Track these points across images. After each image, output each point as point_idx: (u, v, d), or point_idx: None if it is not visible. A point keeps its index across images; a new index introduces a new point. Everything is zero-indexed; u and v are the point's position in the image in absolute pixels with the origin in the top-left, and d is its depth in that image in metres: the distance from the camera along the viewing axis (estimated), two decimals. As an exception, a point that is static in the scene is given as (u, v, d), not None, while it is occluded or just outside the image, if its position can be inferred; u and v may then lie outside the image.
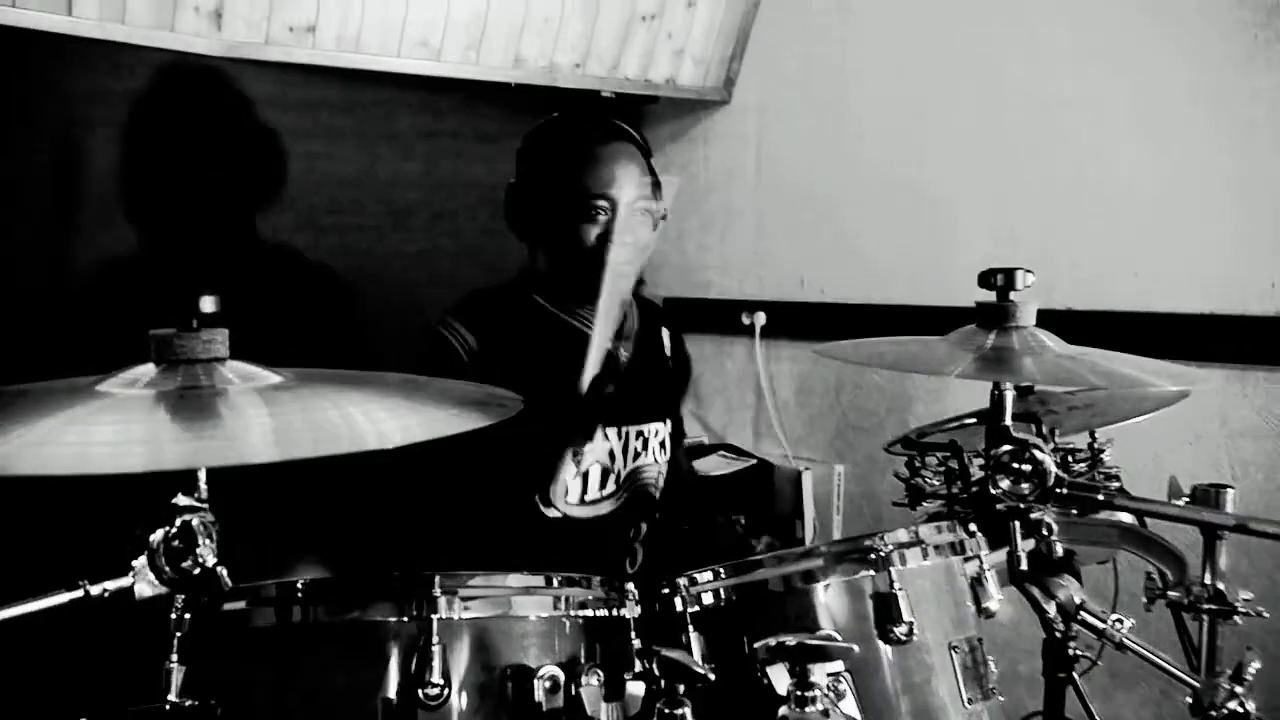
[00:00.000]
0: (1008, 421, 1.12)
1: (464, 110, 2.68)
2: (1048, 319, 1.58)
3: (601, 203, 1.71)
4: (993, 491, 1.06)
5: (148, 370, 0.82)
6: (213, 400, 0.78)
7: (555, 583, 1.04)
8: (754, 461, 2.67)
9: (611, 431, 1.79)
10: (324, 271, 2.44)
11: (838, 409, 2.67)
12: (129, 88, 2.17)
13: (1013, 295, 1.31)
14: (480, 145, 2.66)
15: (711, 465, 2.63)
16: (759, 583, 1.06)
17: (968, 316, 2.41)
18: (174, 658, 0.89)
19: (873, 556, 1.04)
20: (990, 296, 1.34)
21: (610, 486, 1.78)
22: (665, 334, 1.98)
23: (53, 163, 2.07)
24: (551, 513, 1.72)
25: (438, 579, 0.93)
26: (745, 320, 2.79)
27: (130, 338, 2.16)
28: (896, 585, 1.02)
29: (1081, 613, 1.21)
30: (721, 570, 1.07)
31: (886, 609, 1.02)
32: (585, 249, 1.72)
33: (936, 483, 1.26)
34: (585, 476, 1.76)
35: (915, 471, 1.30)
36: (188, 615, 0.91)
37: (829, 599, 1.05)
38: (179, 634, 0.91)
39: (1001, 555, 1.21)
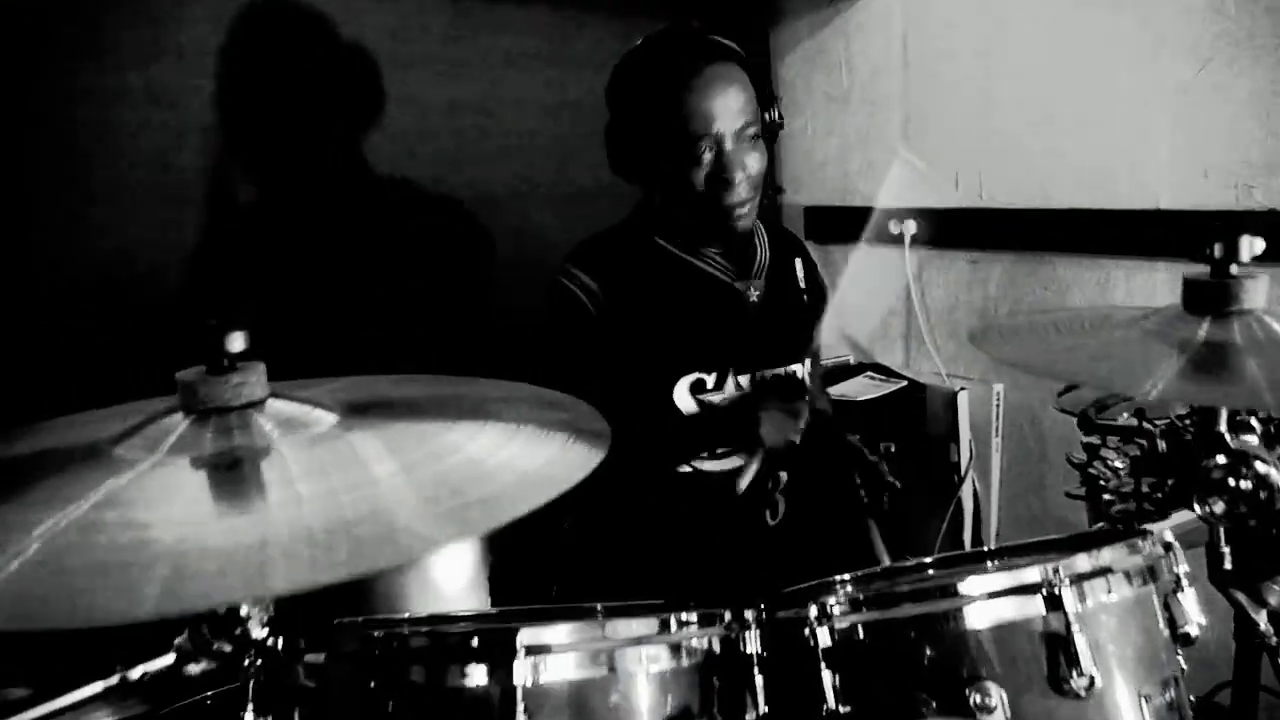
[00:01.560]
0: (1221, 427, 0.87)
1: (602, 26, 2.42)
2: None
3: (703, 141, 1.49)
4: (1200, 513, 0.83)
5: (176, 423, 0.69)
6: (257, 471, 0.64)
7: (672, 626, 0.85)
8: (904, 383, 2.44)
9: (744, 378, 1.61)
10: (444, 205, 2.29)
11: (997, 324, 2.39)
12: (220, 13, 1.99)
13: (1235, 270, 0.98)
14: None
15: (858, 389, 2.41)
16: (902, 621, 0.86)
17: (1141, 222, 2.10)
18: (249, 712, 0.79)
19: (1044, 593, 0.84)
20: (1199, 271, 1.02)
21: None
22: (799, 264, 1.76)
23: (141, 90, 1.95)
24: (684, 469, 1.57)
25: (521, 637, 0.77)
26: (894, 229, 2.52)
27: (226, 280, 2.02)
28: (1075, 628, 0.82)
29: (1302, 624, 0.98)
30: (860, 598, 0.88)
31: (1060, 656, 0.82)
32: (695, 194, 1.51)
33: (1121, 468, 1.03)
34: None
35: (1093, 454, 1.06)
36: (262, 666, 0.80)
37: (987, 640, 0.85)
38: (253, 685, 0.80)
39: (1185, 521, 0.97)
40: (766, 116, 1.59)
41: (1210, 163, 2.00)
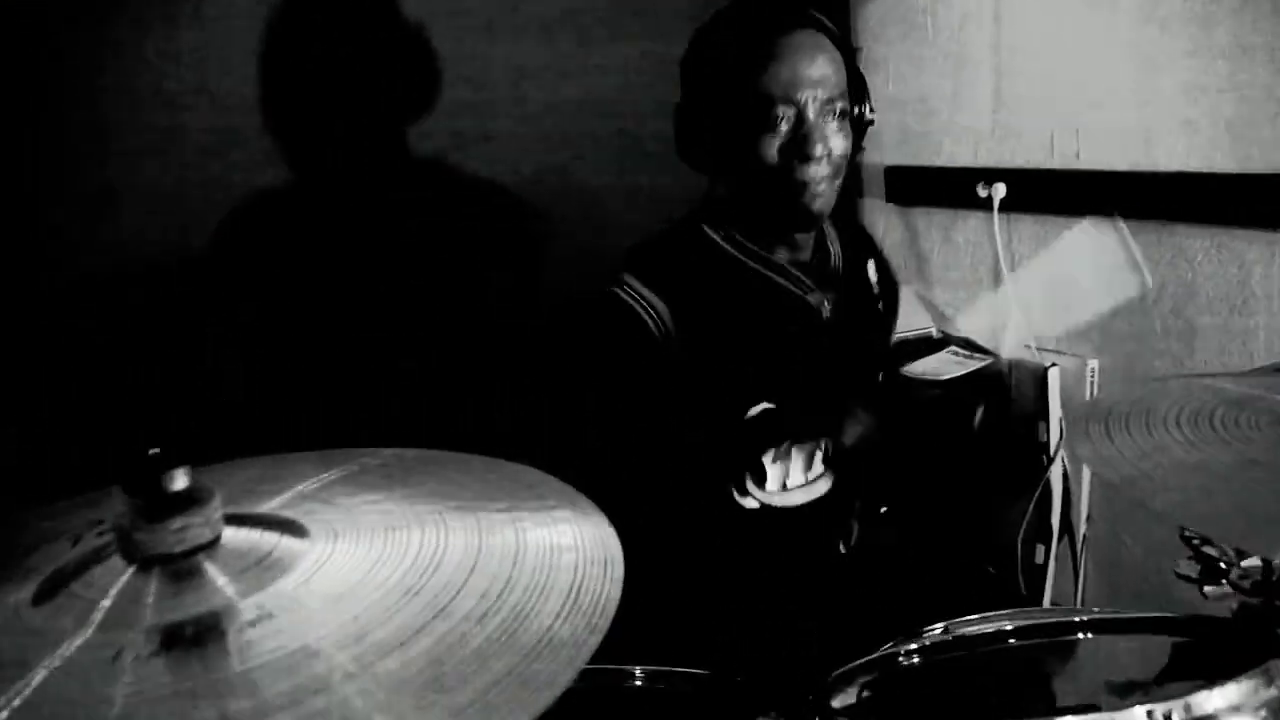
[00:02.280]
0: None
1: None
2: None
3: (782, 107, 1.33)
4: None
5: (117, 569, 0.58)
6: (223, 650, 0.53)
7: None
8: (990, 359, 2.25)
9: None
10: (498, 193, 2.13)
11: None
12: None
13: None
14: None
15: (939, 366, 2.23)
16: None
17: (1266, 185, 1.84)
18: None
19: (1155, 738, 0.68)
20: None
21: (818, 467, 1.44)
22: (871, 267, 1.58)
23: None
24: (749, 503, 1.41)
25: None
26: (981, 192, 2.30)
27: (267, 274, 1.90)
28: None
29: None
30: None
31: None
32: (767, 168, 1.35)
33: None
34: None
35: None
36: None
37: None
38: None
39: None
40: (856, 109, 1.41)
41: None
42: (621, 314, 1.36)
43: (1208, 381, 0.97)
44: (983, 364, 2.23)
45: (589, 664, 0.52)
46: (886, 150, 2.54)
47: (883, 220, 2.56)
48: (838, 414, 1.47)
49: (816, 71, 1.34)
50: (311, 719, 0.50)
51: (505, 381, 1.93)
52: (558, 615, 0.54)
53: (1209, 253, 1.98)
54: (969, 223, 2.39)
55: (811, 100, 1.33)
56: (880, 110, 2.56)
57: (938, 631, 1.12)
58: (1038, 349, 2.29)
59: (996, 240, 2.31)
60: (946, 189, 2.40)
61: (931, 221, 2.49)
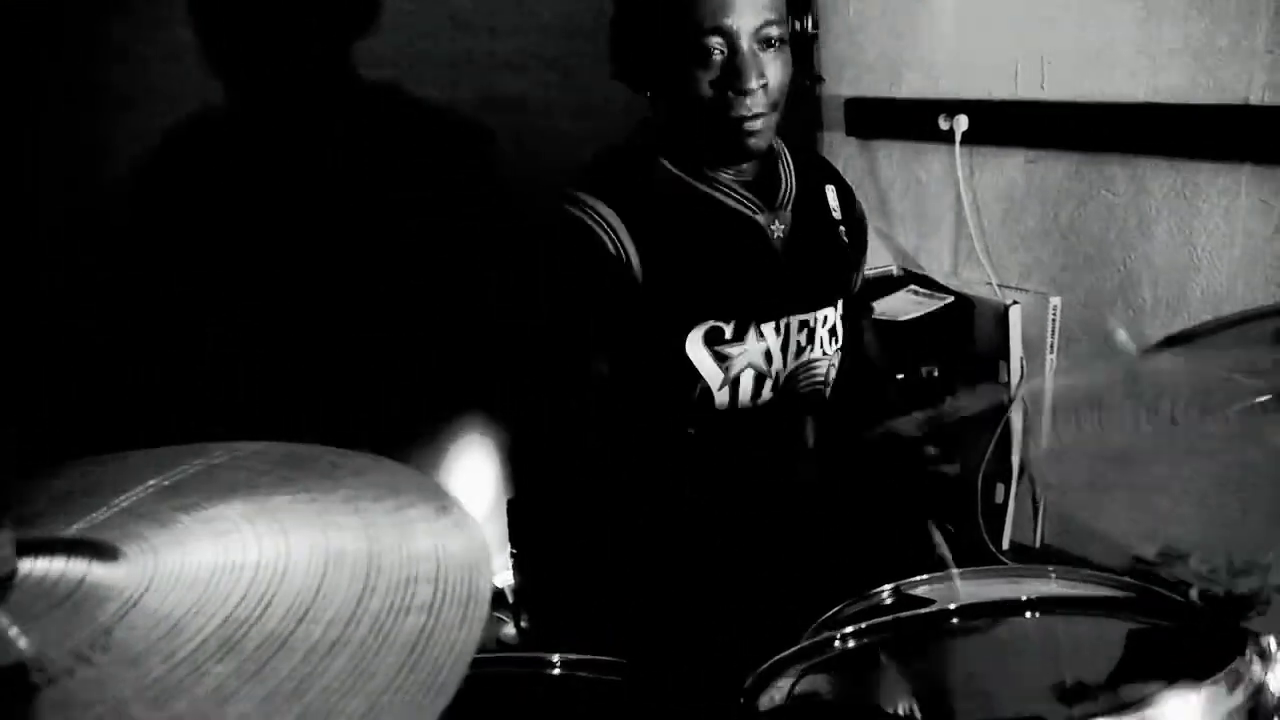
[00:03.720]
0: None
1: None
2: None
3: (714, 38, 1.24)
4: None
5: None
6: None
7: None
8: (950, 298, 2.20)
9: (767, 327, 1.39)
10: (449, 117, 2.04)
11: (1055, 231, 2.13)
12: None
13: None
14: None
15: (900, 306, 2.18)
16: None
17: (1228, 118, 1.79)
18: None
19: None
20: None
21: (766, 394, 1.39)
22: (831, 192, 1.51)
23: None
24: (721, 404, 1.37)
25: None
26: (944, 124, 2.22)
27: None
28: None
29: None
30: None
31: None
32: (700, 101, 1.27)
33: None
34: (735, 383, 1.39)
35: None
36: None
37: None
38: None
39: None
40: (797, 24, 1.32)
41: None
42: (573, 230, 1.30)
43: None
44: (942, 303, 2.18)
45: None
46: (846, 82, 2.45)
47: (843, 154, 2.48)
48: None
49: None
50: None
51: (467, 310, 1.88)
52: (407, 655, 0.48)
53: (1173, 186, 1.93)
54: (931, 156, 2.32)
55: (746, 29, 1.24)
56: (841, 41, 2.48)
57: (885, 595, 1.09)
58: (999, 286, 2.25)
59: (959, 174, 2.24)
60: (908, 121, 2.32)
61: (893, 155, 2.41)
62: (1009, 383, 2.20)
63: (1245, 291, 1.85)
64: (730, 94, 1.25)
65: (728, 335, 1.35)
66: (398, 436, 2.07)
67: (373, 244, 1.98)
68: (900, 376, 2.08)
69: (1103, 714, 0.65)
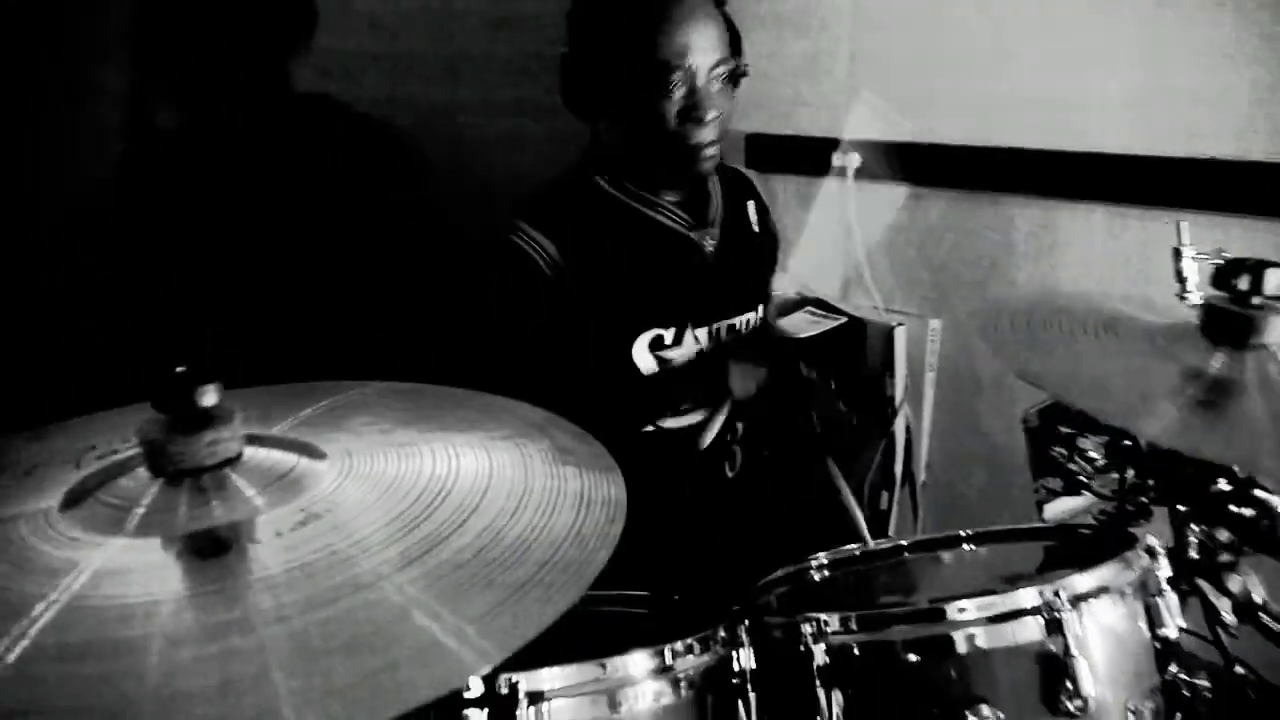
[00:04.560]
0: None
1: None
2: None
3: (678, 74, 1.40)
4: (1200, 536, 0.81)
5: (143, 483, 0.61)
6: (244, 561, 0.56)
7: (668, 657, 0.81)
8: (844, 319, 2.41)
9: (701, 332, 1.56)
10: (381, 130, 2.14)
11: (936, 258, 2.38)
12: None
13: (1258, 300, 0.94)
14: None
15: (798, 325, 2.37)
16: (893, 644, 0.84)
17: (1084, 164, 2.05)
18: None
19: (1044, 617, 0.82)
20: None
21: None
22: (751, 208, 1.71)
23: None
24: (648, 429, 1.52)
25: (521, 684, 0.72)
26: (837, 161, 2.46)
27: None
28: (1074, 652, 0.81)
29: (1263, 614, 0.98)
30: (851, 622, 0.86)
31: (1059, 678, 0.80)
32: (664, 130, 1.43)
33: (1098, 460, 1.00)
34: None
35: (1071, 447, 1.03)
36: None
37: (984, 664, 0.82)
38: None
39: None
40: (736, 64, 1.50)
41: (1158, 107, 1.99)
42: (514, 256, 1.44)
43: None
44: (837, 323, 2.39)
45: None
46: (748, 117, 2.67)
47: (743, 186, 2.69)
48: (729, 351, 1.59)
49: (708, 36, 1.42)
50: (352, 614, 0.55)
51: (402, 320, 1.96)
52: (575, 509, 0.61)
53: (1036, 223, 2.20)
54: (825, 190, 2.55)
55: (704, 66, 1.42)
56: (744, 80, 2.67)
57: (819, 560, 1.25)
58: (885, 309, 2.47)
59: (850, 208, 2.47)
60: (804, 157, 2.54)
61: (789, 188, 2.63)
62: (894, 397, 2.42)
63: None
64: (690, 125, 1.42)
65: (668, 340, 1.51)
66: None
67: (309, 252, 2.04)
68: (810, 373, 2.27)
69: (1036, 585, 0.82)
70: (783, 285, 2.58)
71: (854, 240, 2.49)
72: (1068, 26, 2.07)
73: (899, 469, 2.46)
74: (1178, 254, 1.21)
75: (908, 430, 2.45)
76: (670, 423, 1.52)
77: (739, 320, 1.63)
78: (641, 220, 1.53)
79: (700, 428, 1.54)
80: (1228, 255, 1.24)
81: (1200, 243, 1.22)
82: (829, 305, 2.49)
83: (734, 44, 1.50)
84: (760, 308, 1.68)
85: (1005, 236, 2.25)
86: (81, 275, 1.76)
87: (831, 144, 2.46)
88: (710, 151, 1.46)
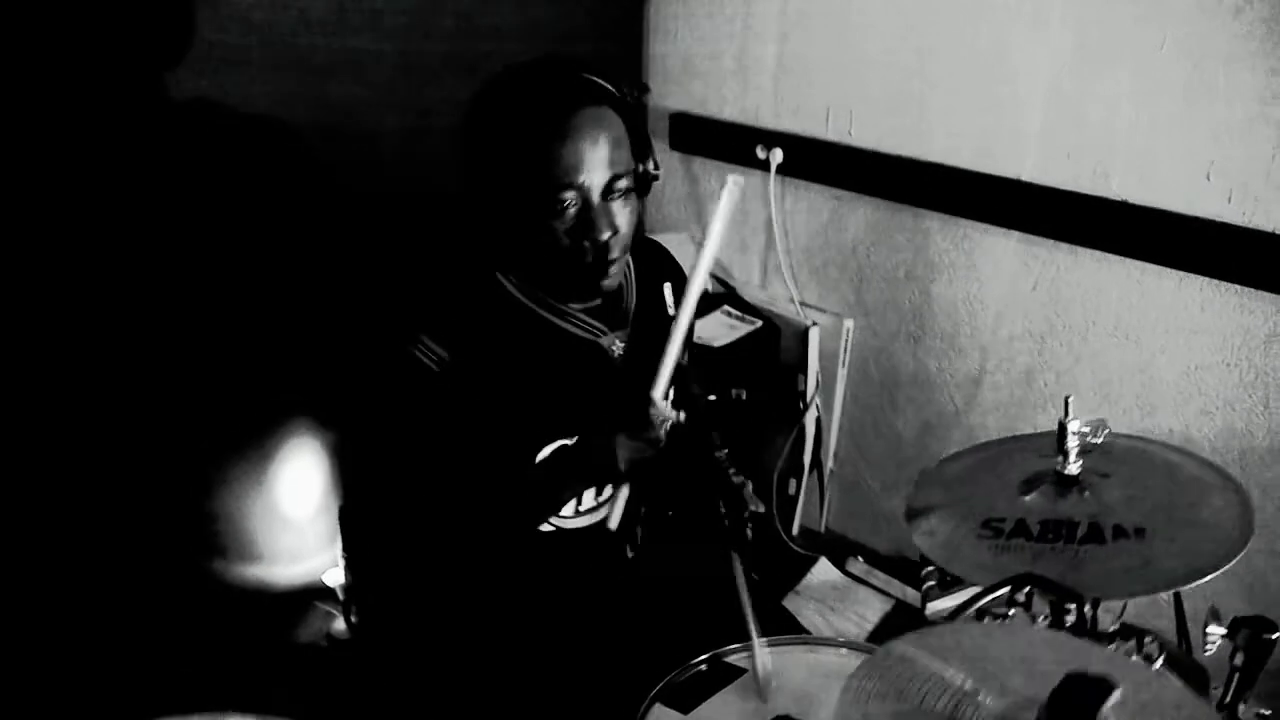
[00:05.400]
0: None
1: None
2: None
3: (568, 193, 1.35)
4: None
5: None
6: None
7: None
8: (759, 324, 2.43)
9: None
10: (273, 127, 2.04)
11: (854, 261, 2.39)
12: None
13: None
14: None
15: (714, 331, 2.39)
16: None
17: (1002, 190, 2.10)
18: None
19: None
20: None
21: (607, 491, 1.55)
22: (668, 289, 1.65)
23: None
24: (545, 527, 1.54)
25: None
26: (760, 154, 2.41)
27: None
28: None
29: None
30: None
31: None
32: (557, 248, 1.38)
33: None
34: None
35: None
36: None
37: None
38: None
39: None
40: (640, 168, 1.45)
41: (1075, 143, 1.98)
42: (410, 367, 1.40)
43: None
44: (752, 328, 2.41)
45: None
46: (672, 96, 2.58)
47: (666, 166, 2.61)
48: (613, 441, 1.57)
49: (601, 152, 1.34)
50: None
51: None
52: None
53: (954, 240, 2.21)
54: (748, 179, 2.50)
55: (598, 184, 1.36)
56: (670, 58, 2.58)
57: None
58: (801, 304, 2.49)
59: (771, 202, 2.45)
60: (728, 144, 2.49)
61: (711, 172, 2.58)
62: (805, 393, 2.48)
63: (1004, 338, 2.17)
64: (585, 243, 1.37)
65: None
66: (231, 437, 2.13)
67: (196, 251, 1.99)
68: (712, 398, 2.30)
69: None
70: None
71: (775, 233, 2.47)
72: (998, 51, 2.03)
73: (807, 458, 2.55)
74: (1062, 428, 1.25)
75: (818, 423, 2.53)
76: (570, 524, 1.54)
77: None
78: (546, 328, 1.48)
79: (605, 517, 1.55)
80: (1108, 430, 1.30)
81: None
82: (744, 304, 2.50)
83: (637, 146, 1.43)
84: (671, 391, 1.65)
85: (923, 249, 2.26)
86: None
87: (756, 134, 2.41)
88: (611, 270, 1.40)
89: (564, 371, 1.48)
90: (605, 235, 1.37)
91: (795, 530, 2.60)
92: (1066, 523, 1.22)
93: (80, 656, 1.93)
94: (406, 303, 1.47)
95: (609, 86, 1.39)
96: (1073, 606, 1.09)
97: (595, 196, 1.36)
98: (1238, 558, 1.14)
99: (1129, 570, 1.13)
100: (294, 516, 2.32)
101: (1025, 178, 2.06)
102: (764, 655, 1.40)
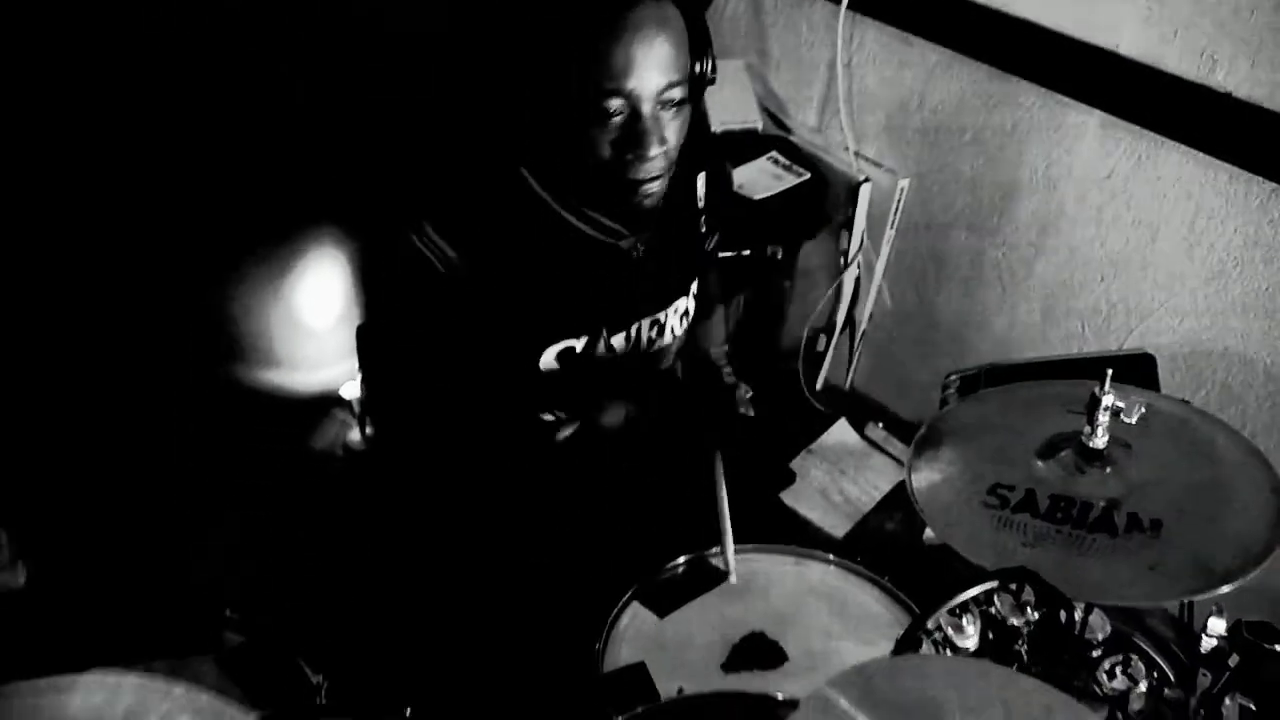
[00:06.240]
0: None
1: None
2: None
3: (615, 101, 1.21)
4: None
5: None
6: None
7: None
8: (805, 175, 2.27)
9: (617, 338, 1.46)
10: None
11: (918, 117, 2.19)
12: None
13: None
14: None
15: (757, 181, 2.24)
16: None
17: (1093, 59, 1.89)
18: None
19: None
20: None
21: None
22: (701, 180, 1.51)
23: None
24: (548, 416, 1.49)
25: None
26: (832, -17, 2.17)
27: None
28: None
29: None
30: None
31: None
32: (597, 161, 1.26)
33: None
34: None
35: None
36: None
37: None
38: None
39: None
40: (697, 68, 1.28)
41: (1182, 22, 1.75)
42: (415, 260, 1.32)
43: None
44: (798, 180, 2.25)
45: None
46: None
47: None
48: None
49: (657, 55, 1.20)
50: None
51: None
52: None
53: (1033, 110, 2.01)
54: (815, 13, 2.28)
55: (649, 93, 1.21)
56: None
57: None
58: (855, 154, 2.32)
59: (839, 38, 2.23)
60: (799, -30, 2.25)
61: (779, 1, 2.34)
62: (848, 249, 2.35)
63: (1065, 225, 2.01)
64: (630, 157, 1.24)
65: (579, 350, 1.42)
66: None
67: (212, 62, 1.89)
68: (746, 253, 2.19)
69: None
70: (752, 117, 2.39)
71: (837, 73, 2.27)
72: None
73: (840, 316, 2.46)
74: (1094, 400, 1.15)
75: (857, 281, 2.42)
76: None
77: (663, 313, 1.51)
78: (565, 228, 1.37)
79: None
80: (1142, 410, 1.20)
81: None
82: (794, 150, 2.34)
83: (697, 49, 1.26)
84: (692, 288, 1.54)
85: (995, 114, 2.06)
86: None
87: (829, -39, 2.16)
88: (653, 188, 1.27)
89: (576, 270, 1.38)
90: (653, 150, 1.24)
91: (820, 385, 2.54)
92: (1080, 503, 1.15)
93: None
94: (415, 182, 1.38)
95: None
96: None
97: (645, 105, 1.22)
98: (1260, 569, 1.08)
99: (1133, 573, 1.07)
100: (314, 325, 2.31)
101: (1122, 50, 1.84)
102: (733, 560, 1.37)
